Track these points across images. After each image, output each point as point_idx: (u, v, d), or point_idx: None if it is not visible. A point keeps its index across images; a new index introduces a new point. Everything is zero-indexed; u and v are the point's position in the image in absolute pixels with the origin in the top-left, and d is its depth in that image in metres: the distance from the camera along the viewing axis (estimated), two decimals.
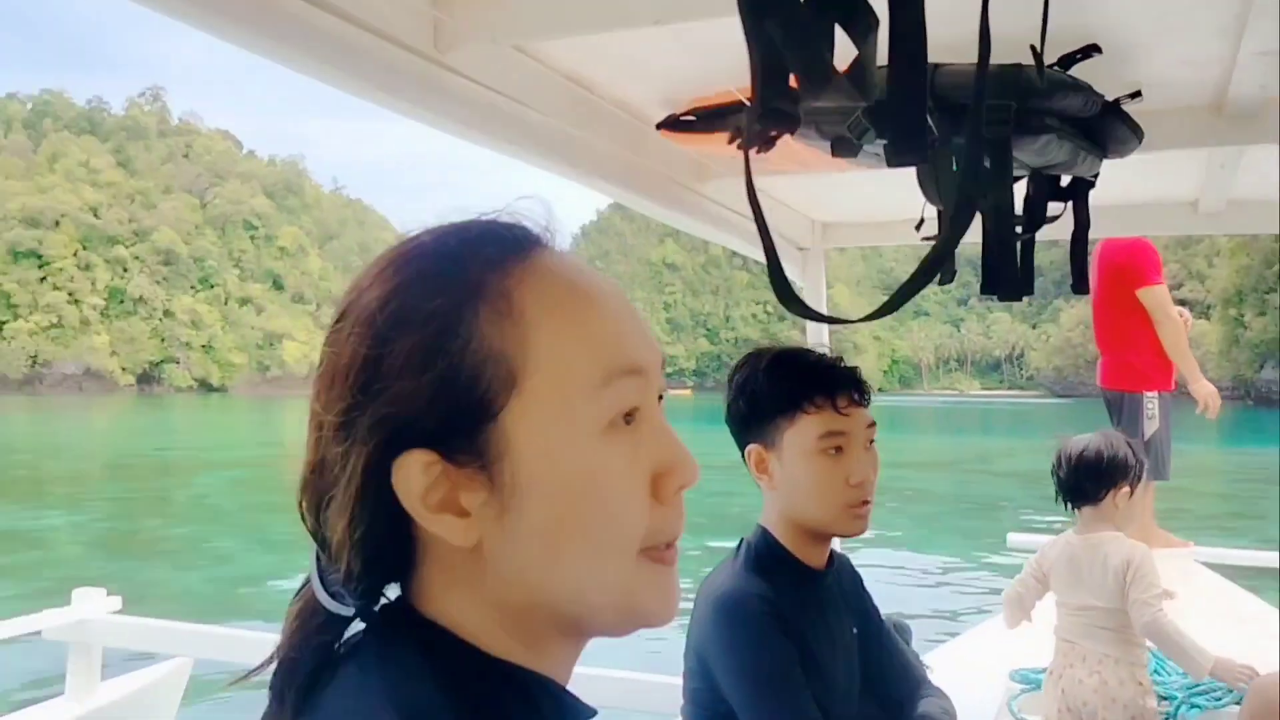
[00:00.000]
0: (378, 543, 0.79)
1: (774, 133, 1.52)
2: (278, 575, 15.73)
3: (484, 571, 0.78)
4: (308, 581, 0.86)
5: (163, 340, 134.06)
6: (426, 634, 0.79)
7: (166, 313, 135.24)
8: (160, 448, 41.00)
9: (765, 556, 2.02)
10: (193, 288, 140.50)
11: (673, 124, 2.77)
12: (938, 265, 1.60)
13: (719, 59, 2.43)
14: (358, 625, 0.84)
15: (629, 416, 0.79)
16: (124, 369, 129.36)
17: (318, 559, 0.84)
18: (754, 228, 3.81)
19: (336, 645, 0.83)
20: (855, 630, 2.13)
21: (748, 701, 1.87)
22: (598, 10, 1.98)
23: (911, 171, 2.43)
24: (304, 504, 0.83)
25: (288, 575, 15.94)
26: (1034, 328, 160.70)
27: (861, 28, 1.30)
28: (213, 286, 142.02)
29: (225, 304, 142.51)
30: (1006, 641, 4.35)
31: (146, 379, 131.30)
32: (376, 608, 0.84)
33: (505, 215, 0.85)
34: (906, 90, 1.38)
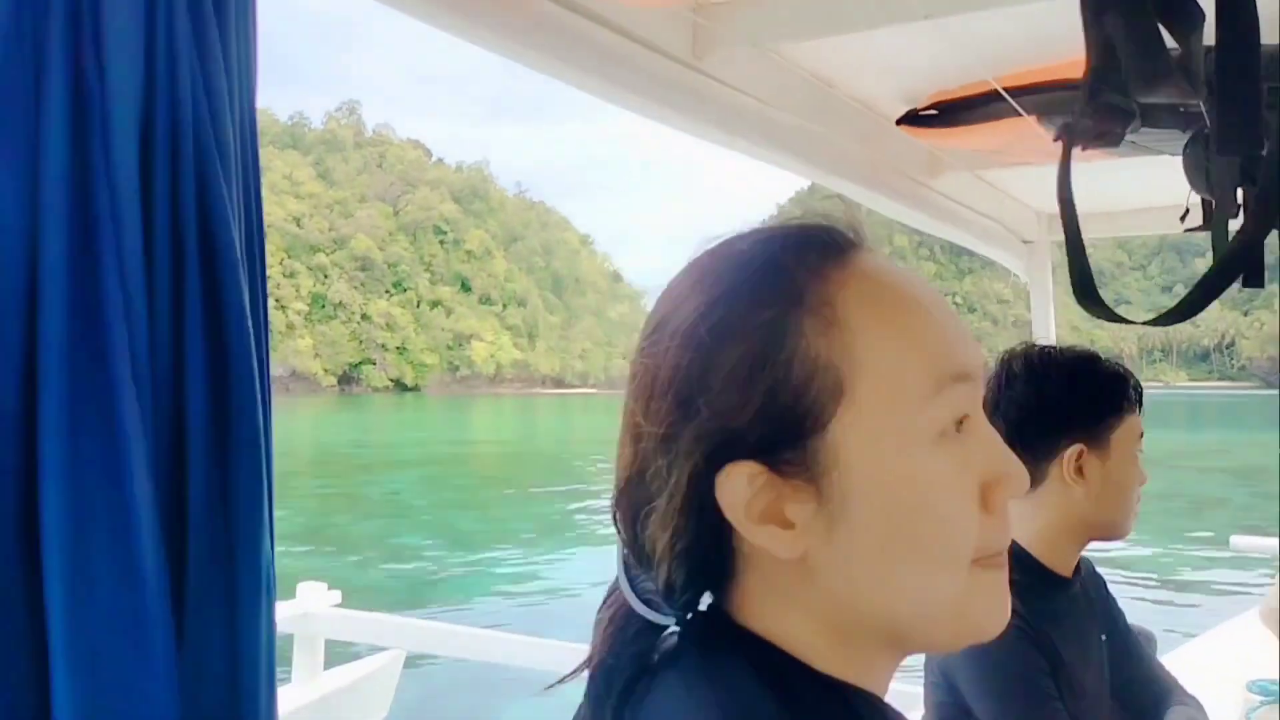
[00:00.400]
0: (700, 554, 0.79)
1: (1105, 127, 1.46)
2: (461, 570, 16.21)
3: (809, 584, 0.77)
4: (614, 588, 0.87)
5: (360, 343, 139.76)
6: (751, 646, 0.78)
7: (364, 316, 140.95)
8: (358, 445, 42.80)
9: (1010, 565, 1.96)
10: (387, 292, 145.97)
11: (913, 118, 2.72)
12: (1243, 258, 1.52)
13: (961, 52, 2.38)
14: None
15: (959, 424, 0.77)
16: (326, 370, 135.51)
17: (625, 566, 0.84)
18: (985, 222, 3.74)
19: (652, 653, 0.83)
20: (1104, 637, 2.04)
21: (998, 717, 1.81)
22: (863, 8, 1.96)
23: (1152, 160, 2.32)
24: (619, 514, 0.83)
25: (471, 571, 16.45)
26: (1245, 314, 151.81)
27: (1187, 22, 1.25)
28: (405, 290, 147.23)
29: (417, 306, 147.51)
30: (1241, 649, 4.12)
31: (346, 380, 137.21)
32: (690, 617, 0.83)
33: (814, 218, 0.83)
34: (1241, 77, 1.31)
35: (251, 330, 1.08)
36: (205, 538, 1.05)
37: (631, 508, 0.81)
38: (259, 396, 1.09)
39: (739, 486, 0.75)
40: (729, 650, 0.79)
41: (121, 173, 0.99)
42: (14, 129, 0.95)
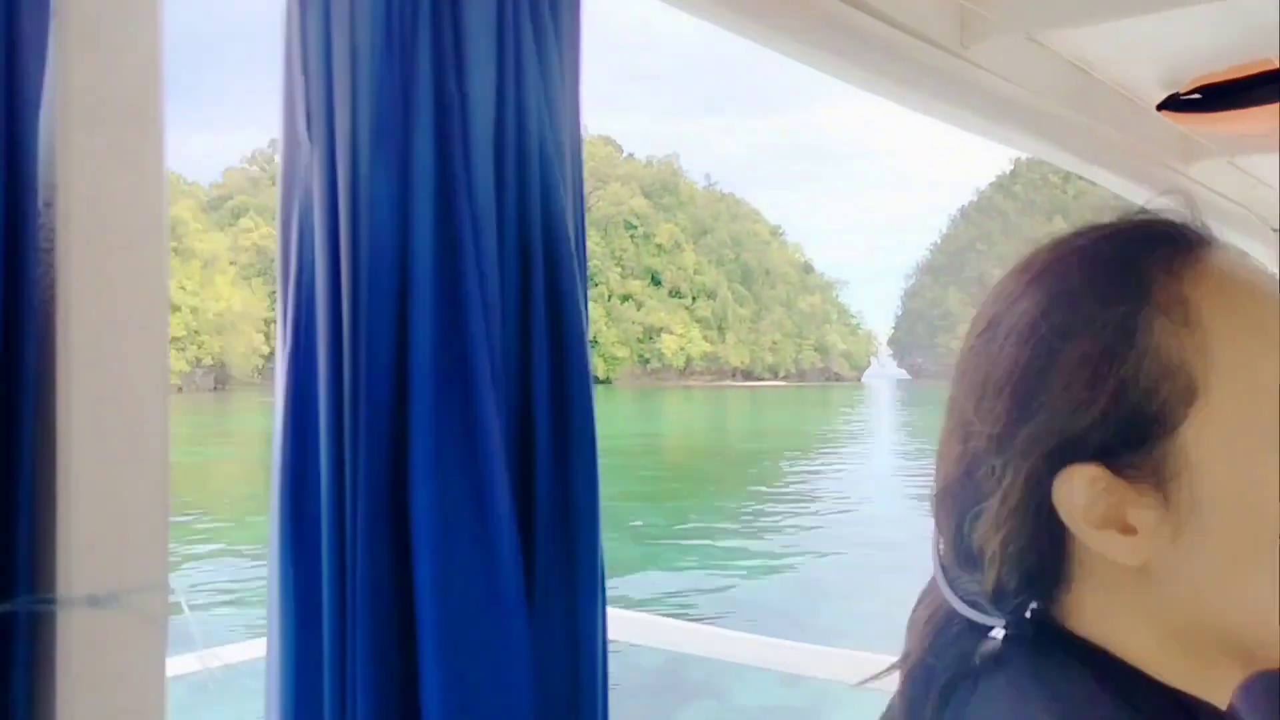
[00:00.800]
0: (1034, 557, 0.77)
1: None
2: (642, 567, 16.25)
3: (1150, 592, 0.74)
4: (931, 587, 0.85)
5: None
6: (1087, 653, 0.76)
7: None
8: None
9: None
10: None
11: (1174, 103, 2.61)
12: None
13: (1228, 34, 2.27)
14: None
15: None
16: None
17: (944, 566, 0.83)
18: (1236, 210, 3.55)
19: (973, 655, 0.82)
20: None
21: None
22: None
23: None
24: (940, 514, 0.82)
25: (653, 567, 16.47)
26: None
27: None
28: (597, 284, 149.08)
29: (609, 301, 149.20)
30: None
31: None
32: (1019, 620, 0.81)
33: (1159, 213, 0.80)
34: None
35: (585, 330, 1.13)
36: (549, 528, 1.10)
37: (957, 507, 0.80)
38: (591, 395, 1.14)
39: (1079, 490, 0.73)
40: (1064, 656, 0.77)
41: (479, 178, 1.05)
42: (388, 141, 1.02)
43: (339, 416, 1.01)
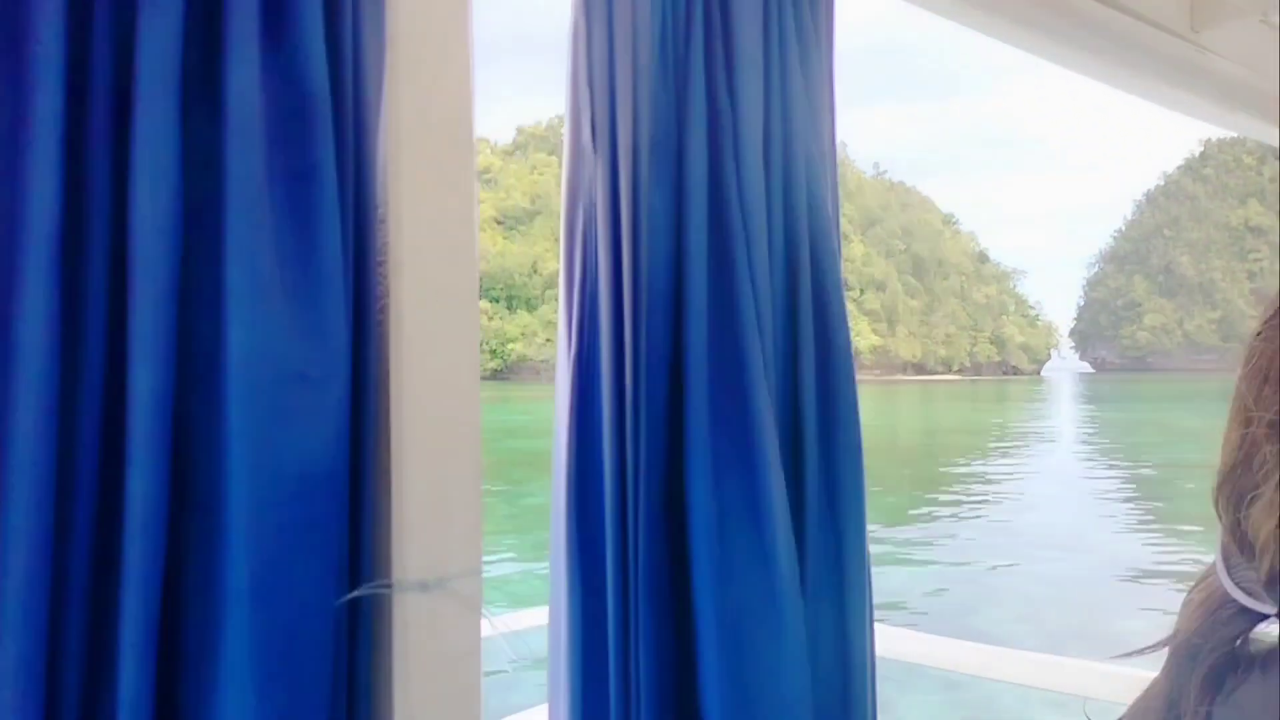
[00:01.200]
0: None
1: None
2: None
3: None
4: (1210, 570, 0.85)
5: None
6: None
7: None
8: None
9: None
10: None
11: None
12: None
13: None
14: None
15: None
16: None
17: (1224, 552, 0.82)
18: None
19: (1239, 640, 0.81)
20: None
21: None
22: None
23: None
24: (1220, 498, 0.81)
25: None
26: None
27: None
28: None
29: None
30: None
31: None
32: None
33: None
34: None
35: (848, 333, 1.16)
36: (818, 523, 1.14)
37: (1235, 493, 0.80)
38: (855, 394, 1.17)
39: None
40: None
41: (749, 184, 1.09)
42: (665, 151, 1.07)
43: (620, 416, 1.06)
